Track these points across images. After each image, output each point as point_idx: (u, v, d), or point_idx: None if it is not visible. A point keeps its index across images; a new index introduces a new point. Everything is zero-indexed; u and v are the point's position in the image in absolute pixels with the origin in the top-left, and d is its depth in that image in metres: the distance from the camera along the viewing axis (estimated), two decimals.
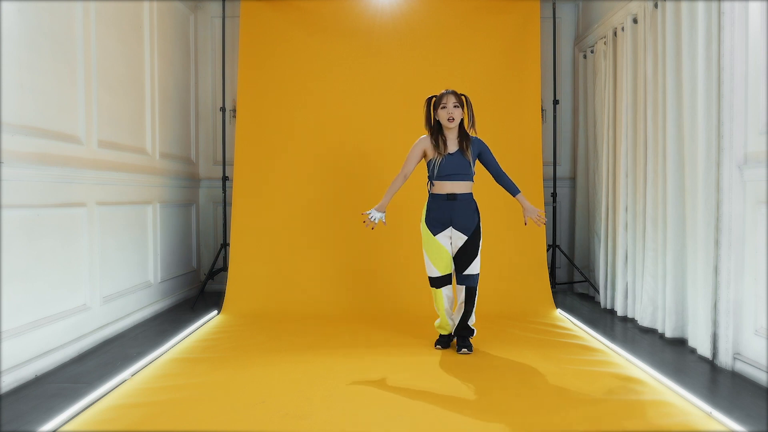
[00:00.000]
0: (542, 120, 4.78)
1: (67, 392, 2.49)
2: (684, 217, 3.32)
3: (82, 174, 3.15)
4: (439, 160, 3.05)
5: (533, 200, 4.41)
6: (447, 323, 3.21)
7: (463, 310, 3.13)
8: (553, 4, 4.86)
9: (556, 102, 4.80)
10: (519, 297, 4.17)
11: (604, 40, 4.36)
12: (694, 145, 3.12)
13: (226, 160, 4.78)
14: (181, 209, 4.70)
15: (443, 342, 3.21)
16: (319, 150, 4.45)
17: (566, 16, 5.10)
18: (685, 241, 3.32)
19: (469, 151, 3.07)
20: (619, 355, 3.02)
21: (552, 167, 4.84)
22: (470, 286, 3.10)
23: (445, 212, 3.06)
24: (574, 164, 5.12)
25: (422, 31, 4.57)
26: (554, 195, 4.80)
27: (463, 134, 3.11)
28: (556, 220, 4.88)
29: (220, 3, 4.79)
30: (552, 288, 4.35)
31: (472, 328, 3.18)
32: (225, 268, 4.66)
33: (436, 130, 3.10)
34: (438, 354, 3.09)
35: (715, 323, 2.95)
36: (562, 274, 5.09)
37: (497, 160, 3.21)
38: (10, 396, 2.46)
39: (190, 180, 4.91)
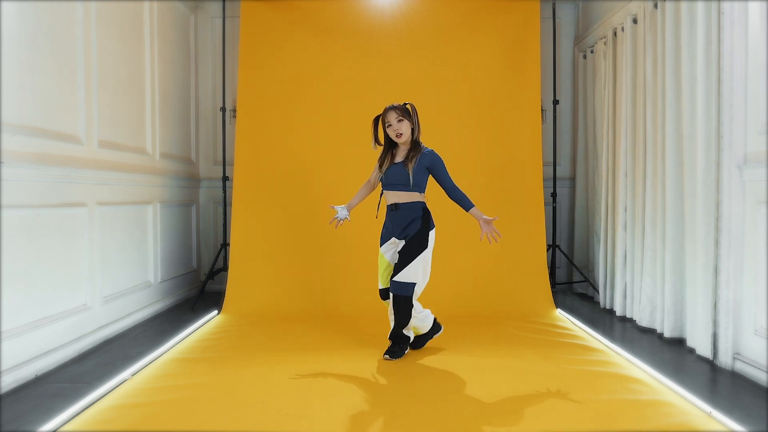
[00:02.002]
0: (542, 120, 4.78)
1: (67, 392, 2.49)
2: (683, 217, 3.32)
3: (83, 174, 3.15)
4: (381, 173, 3.03)
5: (533, 200, 4.43)
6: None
7: (395, 317, 2.98)
8: (553, 4, 4.86)
9: (556, 102, 4.80)
10: (519, 297, 4.17)
11: (603, 40, 4.36)
12: (694, 145, 3.12)
13: (226, 160, 4.78)
14: (181, 209, 4.70)
15: (414, 344, 3.16)
16: (319, 150, 4.45)
17: (566, 16, 5.10)
18: (683, 242, 3.32)
19: (413, 163, 2.94)
20: (619, 355, 3.02)
21: (552, 167, 4.84)
22: (396, 294, 2.90)
23: (389, 222, 3.02)
24: (573, 164, 5.12)
25: (422, 31, 4.57)
26: (554, 195, 4.80)
27: (413, 145, 3.00)
28: (556, 220, 4.88)
29: (220, 3, 4.79)
30: (552, 288, 4.35)
31: (407, 335, 3.03)
32: (225, 268, 4.66)
33: (388, 145, 3.07)
34: (438, 354, 3.09)
35: (715, 323, 2.95)
36: (561, 274, 5.09)
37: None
38: (10, 396, 2.46)
39: (190, 180, 4.91)
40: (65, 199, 3.01)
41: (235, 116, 4.86)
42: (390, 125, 2.98)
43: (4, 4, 2.57)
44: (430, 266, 3.02)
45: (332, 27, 4.56)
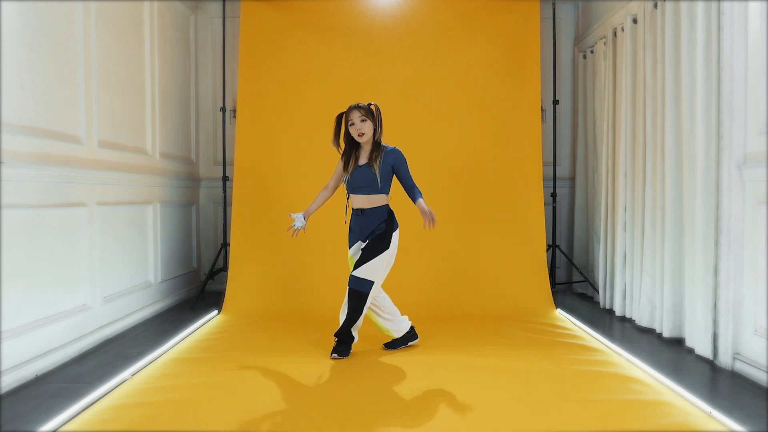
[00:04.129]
0: (542, 120, 4.78)
1: (67, 392, 2.49)
2: (682, 217, 3.32)
3: (83, 174, 3.15)
4: (347, 174, 3.03)
5: (533, 200, 4.43)
6: (383, 328, 3.16)
7: (346, 313, 3.01)
8: (553, 4, 4.86)
9: (555, 102, 4.80)
10: (519, 297, 4.17)
11: (603, 40, 4.36)
12: (694, 145, 3.13)
13: (226, 160, 4.78)
14: (181, 209, 4.70)
15: (389, 344, 3.19)
16: (318, 150, 4.44)
17: (566, 16, 5.11)
18: (683, 242, 3.32)
19: (378, 163, 2.96)
20: (619, 355, 3.02)
21: (552, 167, 4.84)
22: (351, 287, 2.95)
23: (356, 226, 3.05)
24: (573, 164, 5.12)
25: (422, 31, 4.57)
26: (554, 195, 4.80)
27: (375, 146, 3.03)
28: (556, 220, 4.88)
29: (220, 3, 4.79)
30: (552, 288, 4.35)
31: (354, 335, 3.06)
32: (225, 268, 4.66)
33: (349, 144, 3.07)
34: (438, 354, 3.09)
35: (714, 323, 2.95)
36: (561, 274, 5.09)
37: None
38: (10, 396, 2.46)
39: (191, 180, 4.91)
40: (65, 199, 3.01)
41: (235, 116, 4.86)
42: (353, 124, 2.99)
43: (4, 4, 2.57)
44: (389, 268, 3.05)
45: (332, 27, 4.56)
